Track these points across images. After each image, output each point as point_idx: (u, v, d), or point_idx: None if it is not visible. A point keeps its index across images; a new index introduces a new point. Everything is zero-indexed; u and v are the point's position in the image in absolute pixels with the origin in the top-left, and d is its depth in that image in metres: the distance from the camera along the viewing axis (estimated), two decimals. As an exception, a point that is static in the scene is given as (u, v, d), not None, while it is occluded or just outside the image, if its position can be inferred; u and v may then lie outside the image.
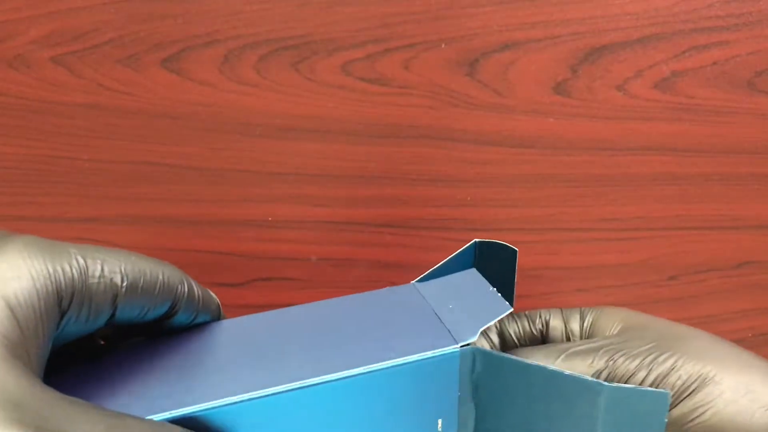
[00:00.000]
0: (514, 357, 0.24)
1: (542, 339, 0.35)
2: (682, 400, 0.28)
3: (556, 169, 0.44)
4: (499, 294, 0.28)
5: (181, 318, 0.25)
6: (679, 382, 0.28)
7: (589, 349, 0.30)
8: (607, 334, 0.32)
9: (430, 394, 0.24)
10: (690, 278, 0.47)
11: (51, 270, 0.21)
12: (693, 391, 0.28)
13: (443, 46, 0.43)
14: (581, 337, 0.33)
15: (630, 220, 0.45)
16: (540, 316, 0.35)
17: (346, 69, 0.43)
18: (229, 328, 0.27)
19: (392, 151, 0.44)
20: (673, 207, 0.45)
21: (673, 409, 0.28)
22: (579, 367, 0.29)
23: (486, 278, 0.29)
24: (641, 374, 0.28)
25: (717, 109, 0.45)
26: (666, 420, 0.24)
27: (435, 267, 0.31)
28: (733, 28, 0.44)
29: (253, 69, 0.43)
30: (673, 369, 0.28)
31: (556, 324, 0.34)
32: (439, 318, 0.26)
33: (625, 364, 0.29)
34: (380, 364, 0.23)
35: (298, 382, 0.22)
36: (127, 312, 0.23)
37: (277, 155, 0.43)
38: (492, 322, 0.26)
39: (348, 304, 0.28)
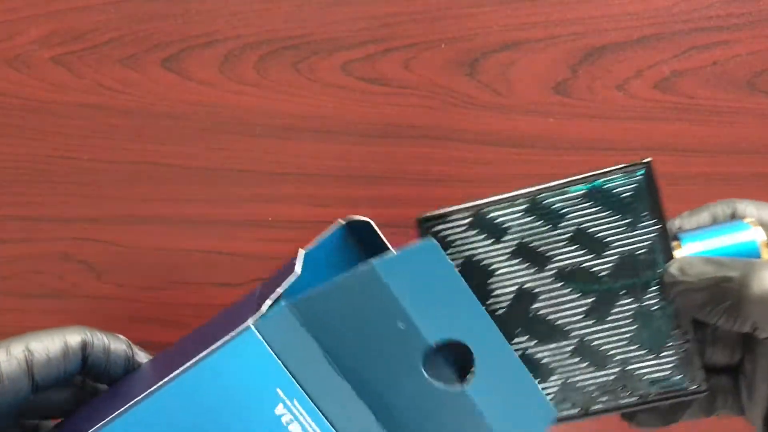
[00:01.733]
0: (318, 289, 0.23)
1: None
2: None
3: (556, 169, 0.44)
4: (297, 264, 0.26)
5: (97, 362, 0.29)
6: None
7: None
8: None
9: (252, 380, 0.23)
10: (690, 278, 0.47)
11: None
12: None
13: (443, 46, 0.43)
14: None
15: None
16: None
17: (346, 69, 0.43)
18: (138, 370, 0.29)
19: (392, 151, 0.44)
20: (673, 207, 0.45)
21: None
22: None
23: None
24: None
25: (717, 109, 0.45)
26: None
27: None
28: (733, 28, 0.44)
29: (253, 69, 0.43)
30: None
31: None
32: (256, 307, 0.24)
33: None
34: (184, 368, 0.23)
35: (129, 405, 0.23)
36: (46, 377, 0.27)
37: (277, 155, 0.43)
38: (280, 291, 0.24)
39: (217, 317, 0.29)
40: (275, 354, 0.23)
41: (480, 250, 0.30)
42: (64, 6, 0.42)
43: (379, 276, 0.23)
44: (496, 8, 0.43)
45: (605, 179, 0.29)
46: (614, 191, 0.29)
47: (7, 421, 0.28)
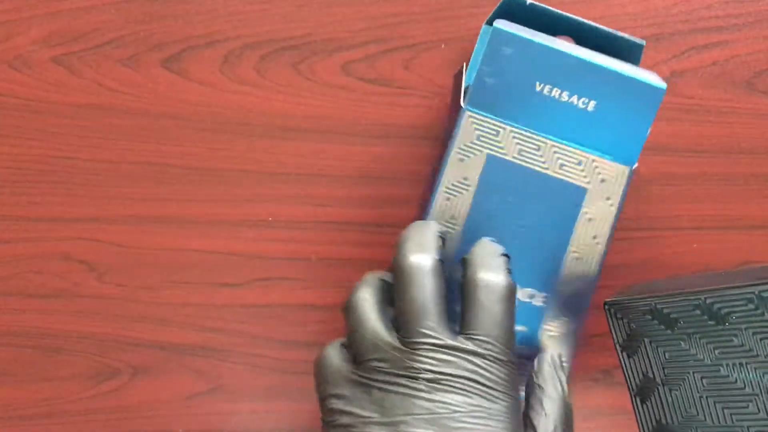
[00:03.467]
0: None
1: None
2: None
3: (556, 169, 0.44)
4: None
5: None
6: None
7: None
8: None
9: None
10: (690, 278, 0.47)
11: None
12: None
13: (443, 46, 0.43)
14: None
15: (629, 220, 0.45)
16: None
17: (346, 69, 0.43)
18: None
19: (392, 151, 0.44)
20: (673, 207, 0.45)
21: None
22: None
23: None
24: None
25: (717, 109, 0.45)
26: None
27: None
28: (733, 28, 0.44)
29: (253, 69, 0.43)
30: None
31: None
32: None
33: None
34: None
35: None
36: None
37: (277, 155, 0.44)
38: None
39: None
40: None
41: (656, 335, 0.36)
42: (64, 6, 0.42)
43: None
44: (496, 8, 0.43)
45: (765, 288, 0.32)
46: None
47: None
